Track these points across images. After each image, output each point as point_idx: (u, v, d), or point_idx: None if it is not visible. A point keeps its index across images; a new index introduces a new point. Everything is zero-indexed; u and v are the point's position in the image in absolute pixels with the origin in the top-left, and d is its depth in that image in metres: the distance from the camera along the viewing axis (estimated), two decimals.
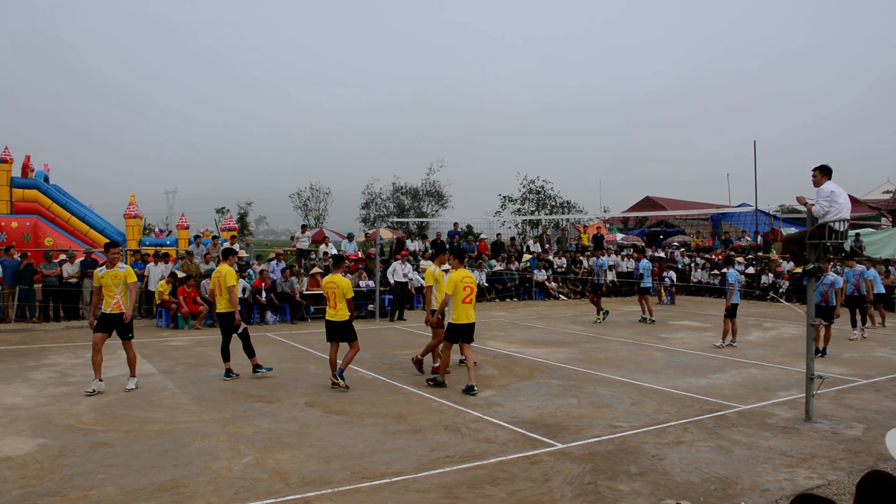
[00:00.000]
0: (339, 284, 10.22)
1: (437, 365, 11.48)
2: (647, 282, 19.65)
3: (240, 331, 11.12)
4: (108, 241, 10.86)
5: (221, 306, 11.06)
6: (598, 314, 18.90)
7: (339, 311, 10.22)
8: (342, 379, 10.08)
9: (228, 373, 10.89)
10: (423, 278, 22.17)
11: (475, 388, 9.94)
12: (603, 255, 21.62)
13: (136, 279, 10.30)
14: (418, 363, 11.59)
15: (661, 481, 6.41)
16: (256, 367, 11.17)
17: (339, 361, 10.42)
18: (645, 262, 20.57)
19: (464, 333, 10.33)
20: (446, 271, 11.00)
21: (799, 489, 6.22)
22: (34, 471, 6.52)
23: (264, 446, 7.34)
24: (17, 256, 17.97)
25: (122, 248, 21.81)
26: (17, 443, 7.38)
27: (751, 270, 26.22)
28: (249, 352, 11.19)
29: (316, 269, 20.17)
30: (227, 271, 11.05)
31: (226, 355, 10.99)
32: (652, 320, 18.86)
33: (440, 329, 11.24)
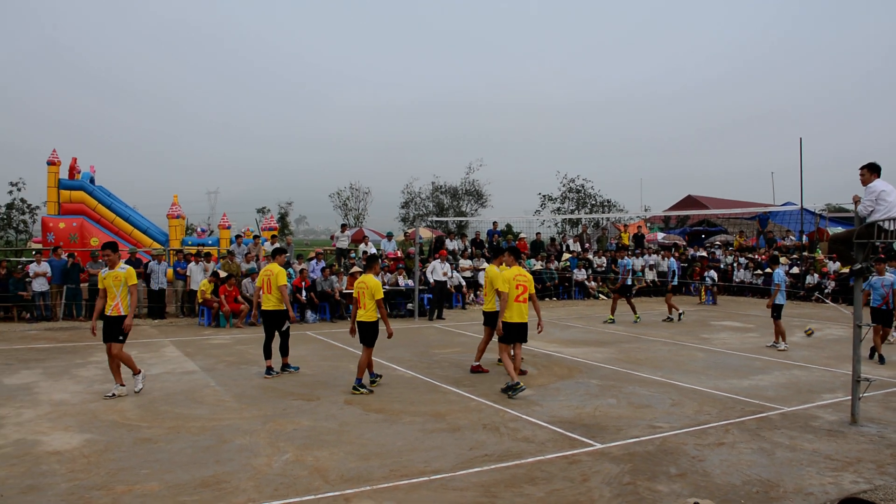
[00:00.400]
0: (369, 285, 9.99)
1: (476, 364, 11.49)
2: (674, 281, 19.64)
3: (284, 328, 11.34)
4: (110, 240, 10.44)
5: (269, 304, 11.26)
6: (635, 314, 18.79)
7: (367, 312, 10.02)
8: (363, 388, 9.87)
9: (269, 370, 11.03)
10: (462, 278, 22.23)
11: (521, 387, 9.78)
12: (626, 255, 21.18)
13: (136, 281, 9.90)
14: (475, 368, 11.50)
15: (702, 483, 6.34)
16: (286, 366, 11.43)
17: (376, 360, 10.46)
18: (671, 262, 20.33)
19: (518, 332, 10.17)
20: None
21: (844, 493, 6.10)
22: (81, 465, 6.67)
23: (304, 443, 7.42)
24: (64, 256, 18.40)
25: (166, 249, 22.14)
26: (65, 438, 7.57)
27: (795, 271, 25.75)
28: (284, 350, 11.44)
29: (355, 269, 20.25)
30: (278, 270, 11.34)
31: (267, 353, 11.16)
32: (681, 313, 19.02)
33: (489, 328, 11.31)
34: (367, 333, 10.05)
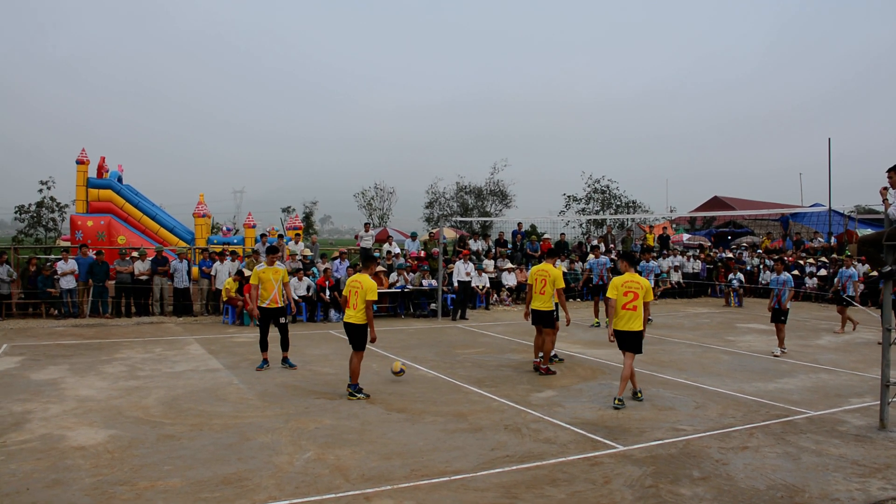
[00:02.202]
0: (364, 285, 9.53)
1: (537, 360, 11.61)
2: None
3: (281, 322, 11.75)
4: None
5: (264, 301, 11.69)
6: (596, 318, 18.43)
7: (357, 313, 9.55)
8: (360, 393, 9.53)
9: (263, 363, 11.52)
10: (487, 279, 22.15)
11: (621, 403, 9.24)
12: (603, 254, 20.48)
13: None
14: (546, 370, 11.45)
15: (725, 487, 6.26)
16: (285, 360, 11.77)
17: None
18: (651, 265, 19.79)
19: (625, 341, 9.50)
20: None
21: (872, 500, 6.01)
22: (105, 460, 6.74)
23: (325, 442, 7.44)
24: (91, 254, 18.60)
25: (192, 247, 22.30)
26: (90, 433, 7.65)
27: (823, 273, 25.42)
28: (284, 345, 11.84)
29: (379, 268, 20.32)
30: (273, 270, 11.60)
31: (263, 346, 11.63)
32: (597, 324, 18.30)
33: (550, 329, 11.40)
34: (357, 336, 9.64)
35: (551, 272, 11.42)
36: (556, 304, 11.54)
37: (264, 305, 11.54)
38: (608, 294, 9.60)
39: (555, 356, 12.23)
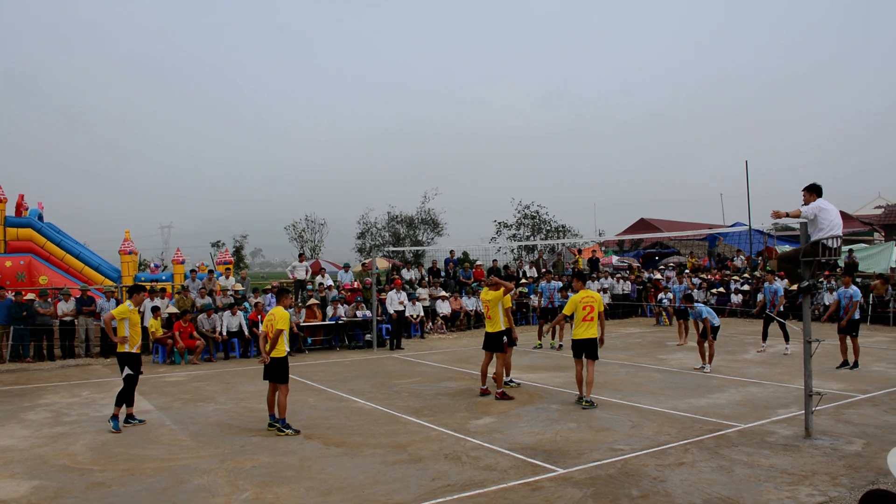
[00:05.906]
0: (276, 316, 9.49)
1: (484, 387, 11.87)
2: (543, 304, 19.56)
3: (123, 374, 10.17)
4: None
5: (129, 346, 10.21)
6: (551, 339, 18.86)
7: (277, 347, 9.48)
8: (288, 428, 9.33)
9: (128, 418, 10.09)
10: (421, 308, 22.11)
11: (591, 402, 10.63)
12: (551, 279, 20.88)
13: None
14: (501, 395, 11.47)
15: (663, 503, 6.37)
16: (129, 417, 10.17)
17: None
18: (551, 285, 20.19)
19: (585, 348, 10.82)
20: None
21: None
22: None
23: (263, 481, 7.29)
24: (10, 296, 17.89)
25: (118, 286, 21.71)
26: (12, 486, 7.30)
27: (746, 288, 26.25)
28: (122, 399, 10.04)
29: (313, 301, 20.15)
30: (122, 309, 10.19)
31: (129, 400, 10.19)
32: (540, 345, 18.77)
33: (500, 353, 11.61)
34: (275, 369, 9.50)
35: (486, 296, 11.88)
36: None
37: (134, 351, 10.14)
38: (566, 311, 11.06)
39: (511, 381, 12.44)
